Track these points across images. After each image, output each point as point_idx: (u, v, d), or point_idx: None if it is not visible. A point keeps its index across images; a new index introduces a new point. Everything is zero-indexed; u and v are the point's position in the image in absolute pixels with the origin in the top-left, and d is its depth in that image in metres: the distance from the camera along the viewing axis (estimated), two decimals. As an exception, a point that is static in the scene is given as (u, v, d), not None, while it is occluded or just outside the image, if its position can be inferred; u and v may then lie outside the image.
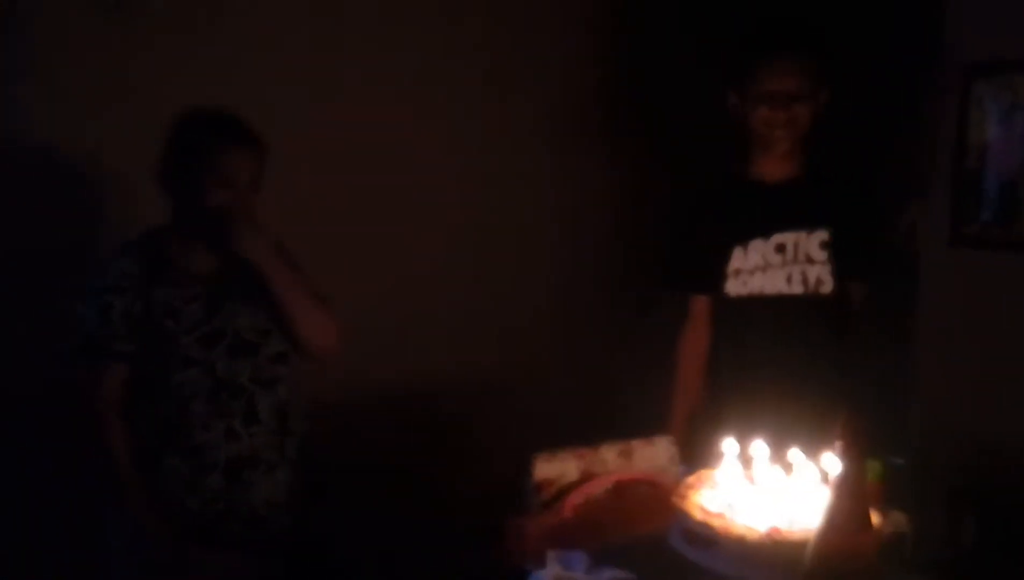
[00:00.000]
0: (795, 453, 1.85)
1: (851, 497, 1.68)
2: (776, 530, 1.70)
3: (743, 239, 2.27)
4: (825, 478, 1.78)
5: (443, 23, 2.77)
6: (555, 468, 1.91)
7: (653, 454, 2.02)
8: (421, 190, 2.73)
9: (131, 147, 2.21)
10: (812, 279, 2.25)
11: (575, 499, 1.87)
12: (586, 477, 1.92)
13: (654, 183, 2.86)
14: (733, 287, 2.28)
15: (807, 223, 2.25)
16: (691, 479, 1.87)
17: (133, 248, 2.03)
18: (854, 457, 1.68)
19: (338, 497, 2.17)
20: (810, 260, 2.25)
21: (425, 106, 2.74)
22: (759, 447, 1.86)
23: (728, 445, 1.87)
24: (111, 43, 2.39)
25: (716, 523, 1.72)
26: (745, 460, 1.86)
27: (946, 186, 3.06)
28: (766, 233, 2.26)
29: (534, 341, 2.77)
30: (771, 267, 2.25)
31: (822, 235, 2.25)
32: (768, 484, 1.83)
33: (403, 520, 2.33)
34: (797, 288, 2.25)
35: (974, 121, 3.00)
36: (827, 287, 2.25)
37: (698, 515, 1.75)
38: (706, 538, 1.73)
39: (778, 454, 1.86)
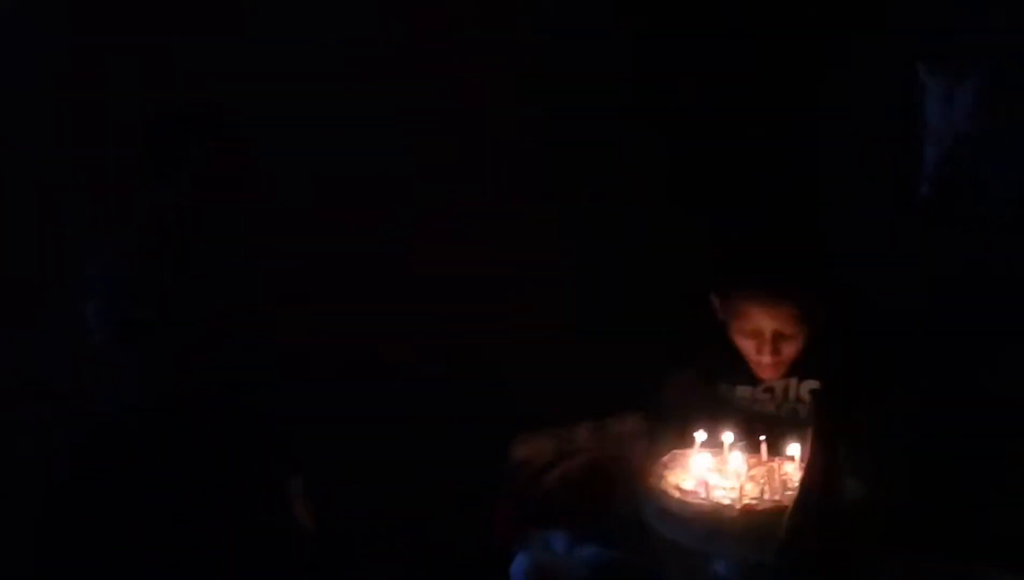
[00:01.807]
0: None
1: (823, 472, 1.75)
2: (749, 506, 1.77)
3: (729, 381, 2.17)
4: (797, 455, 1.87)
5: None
6: (532, 448, 1.96)
7: (625, 431, 2.08)
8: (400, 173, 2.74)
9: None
10: (803, 413, 2.11)
11: (552, 478, 1.92)
12: (561, 456, 1.97)
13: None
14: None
15: (797, 374, 2.12)
16: (665, 459, 1.93)
17: None
18: (826, 432, 1.76)
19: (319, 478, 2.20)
20: (800, 401, 2.13)
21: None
22: (729, 435, 1.94)
23: (700, 433, 1.93)
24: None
25: (691, 501, 1.79)
26: (717, 440, 1.93)
27: (888, 163, 3.18)
28: (755, 382, 2.14)
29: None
30: (759, 402, 2.16)
31: (812, 383, 2.11)
32: (740, 462, 1.91)
33: (387, 503, 2.36)
34: (786, 414, 2.14)
35: (916, 103, 3.12)
36: None
37: (673, 493, 1.82)
38: (681, 516, 1.80)
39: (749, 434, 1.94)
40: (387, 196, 2.67)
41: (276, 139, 2.37)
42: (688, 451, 1.94)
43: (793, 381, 2.13)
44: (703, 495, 1.80)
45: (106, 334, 1.97)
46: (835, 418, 1.80)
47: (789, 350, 2.04)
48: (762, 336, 2.02)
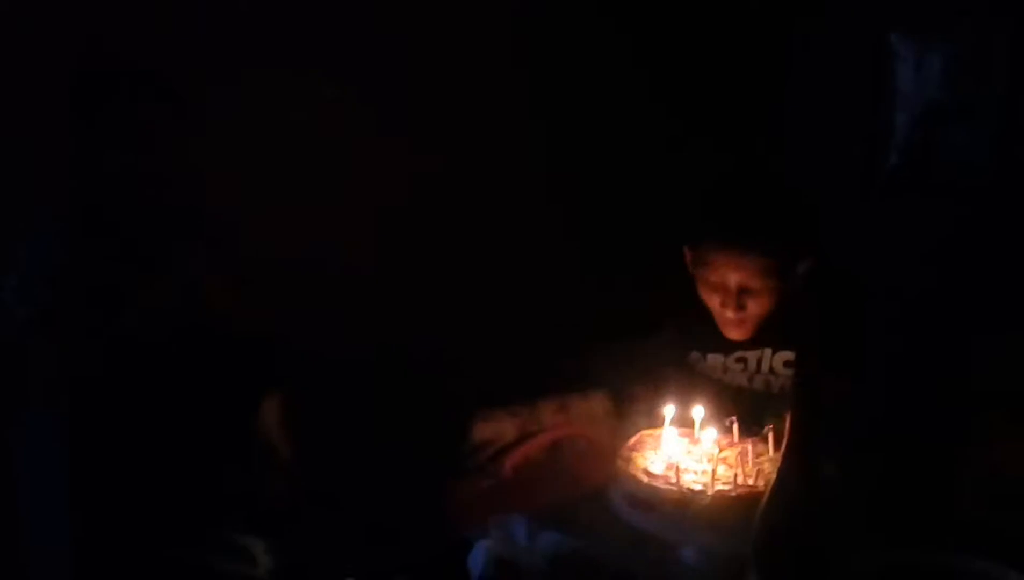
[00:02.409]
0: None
1: (800, 457, 1.67)
2: (721, 493, 1.68)
3: (700, 349, 2.09)
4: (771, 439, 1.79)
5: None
6: (492, 429, 1.86)
7: (589, 409, 1.98)
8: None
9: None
10: (776, 386, 2.06)
11: (514, 459, 1.83)
12: (523, 436, 1.87)
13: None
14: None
15: (772, 344, 2.05)
16: (632, 441, 1.83)
17: None
18: (804, 411, 1.68)
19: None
20: (774, 373, 2.06)
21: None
22: (700, 410, 1.85)
23: (669, 408, 1.84)
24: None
25: (659, 487, 1.70)
26: (687, 421, 1.84)
27: (857, 130, 3.12)
28: (727, 351, 2.07)
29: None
30: (731, 371, 2.08)
31: (786, 355, 2.04)
32: (712, 443, 1.81)
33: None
34: (759, 386, 2.08)
35: (886, 70, 3.06)
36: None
37: (641, 478, 1.72)
38: (649, 502, 1.70)
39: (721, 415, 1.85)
40: (346, 160, 2.54)
41: (226, 98, 2.21)
42: (657, 431, 1.85)
43: (768, 351, 2.05)
44: (672, 480, 1.71)
45: (23, 316, 1.84)
46: (813, 395, 1.72)
47: (755, 308, 1.96)
48: (727, 289, 1.95)
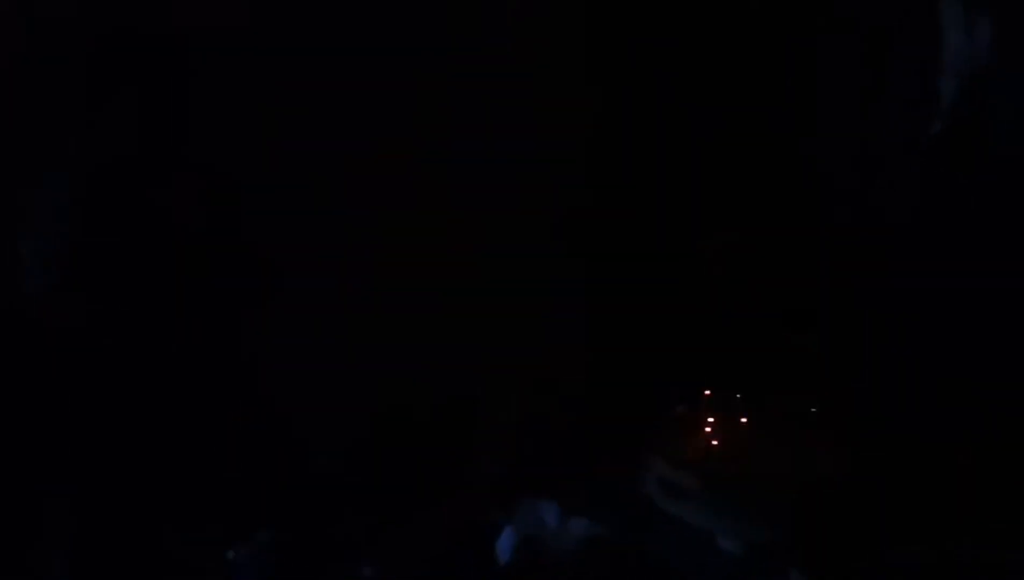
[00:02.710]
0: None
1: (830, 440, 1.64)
2: (758, 479, 1.63)
3: None
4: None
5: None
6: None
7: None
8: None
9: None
10: None
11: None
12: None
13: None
14: None
15: None
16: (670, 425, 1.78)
17: None
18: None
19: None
20: None
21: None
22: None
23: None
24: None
25: (694, 472, 1.65)
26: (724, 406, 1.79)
27: (899, 97, 3.04)
28: None
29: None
30: None
31: None
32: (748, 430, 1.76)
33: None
34: None
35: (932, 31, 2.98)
36: None
37: (676, 463, 1.67)
38: (683, 488, 1.65)
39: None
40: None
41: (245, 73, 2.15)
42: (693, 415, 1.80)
43: None
44: (709, 466, 1.66)
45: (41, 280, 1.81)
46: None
47: None
48: None
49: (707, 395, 1.79)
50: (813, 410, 1.77)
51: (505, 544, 1.63)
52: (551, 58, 2.47)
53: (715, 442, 1.70)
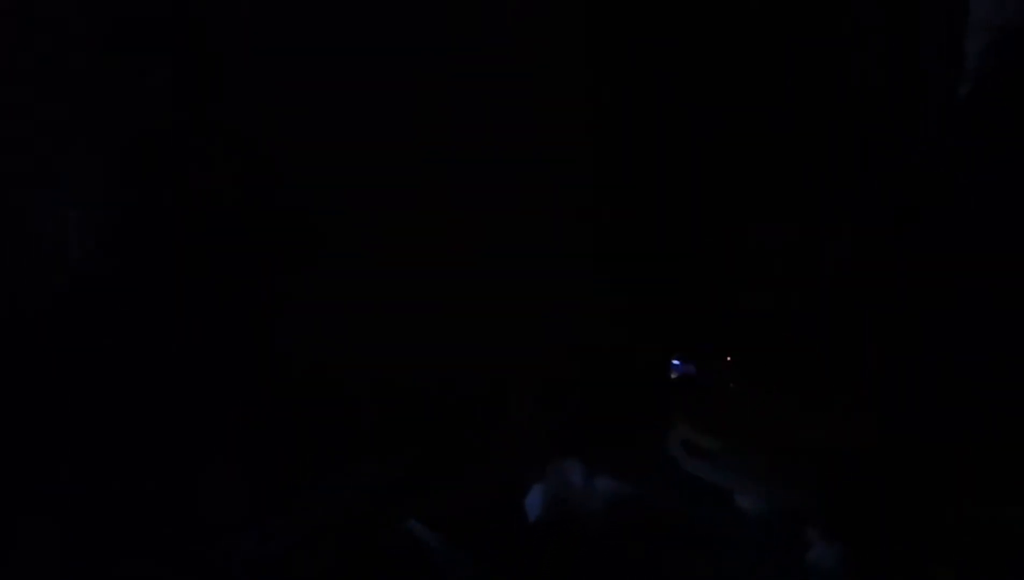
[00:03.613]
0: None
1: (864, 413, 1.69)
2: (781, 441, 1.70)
3: None
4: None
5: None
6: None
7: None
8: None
9: None
10: None
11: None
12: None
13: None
14: None
15: None
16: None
17: None
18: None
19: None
20: None
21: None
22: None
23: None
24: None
25: (716, 435, 1.72)
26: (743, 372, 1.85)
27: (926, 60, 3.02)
28: None
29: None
30: None
31: None
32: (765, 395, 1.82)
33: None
34: None
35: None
36: None
37: (698, 427, 1.74)
38: (707, 449, 1.72)
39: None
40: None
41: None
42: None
43: None
44: (728, 429, 1.72)
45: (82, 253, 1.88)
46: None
47: None
48: None
49: (728, 361, 1.85)
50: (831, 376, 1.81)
51: (534, 502, 1.71)
52: (582, 53, 2.49)
53: (735, 407, 1.77)
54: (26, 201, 1.98)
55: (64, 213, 1.94)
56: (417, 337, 2.13)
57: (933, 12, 2.94)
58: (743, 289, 2.16)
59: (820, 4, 3.00)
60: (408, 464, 1.87)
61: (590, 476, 1.71)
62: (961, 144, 2.92)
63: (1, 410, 1.87)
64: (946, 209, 2.47)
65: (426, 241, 2.23)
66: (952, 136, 2.94)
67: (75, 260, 1.95)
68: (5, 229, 1.96)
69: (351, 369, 2.06)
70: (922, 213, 2.30)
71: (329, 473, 1.88)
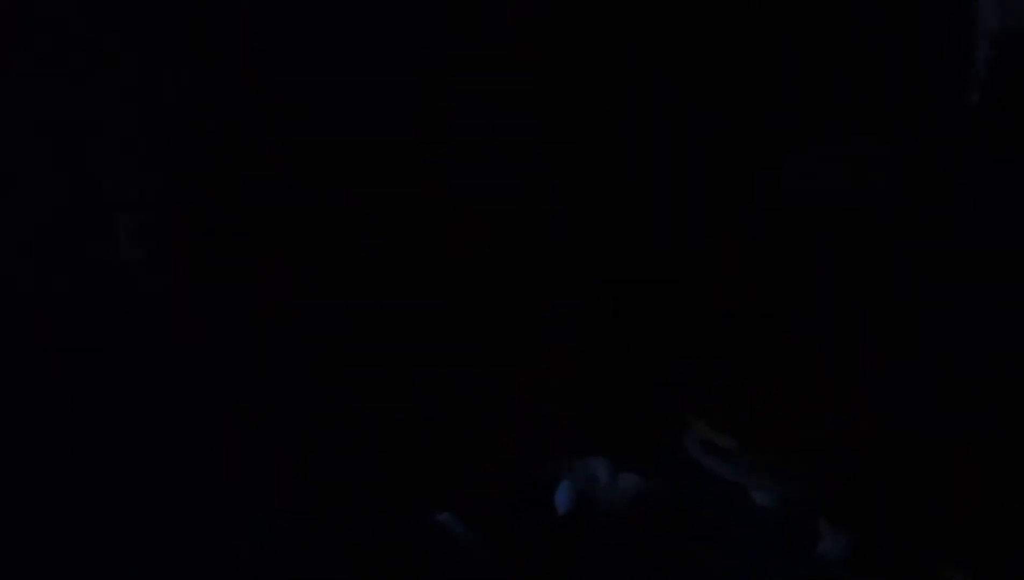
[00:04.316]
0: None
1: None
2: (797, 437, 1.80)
3: None
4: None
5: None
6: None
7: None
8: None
9: None
10: None
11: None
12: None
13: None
14: None
15: None
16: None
17: None
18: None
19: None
20: None
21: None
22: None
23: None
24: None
25: (732, 433, 1.82)
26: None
27: (933, 67, 3.05)
28: None
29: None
30: None
31: None
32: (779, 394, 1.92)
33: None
34: None
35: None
36: None
37: (715, 425, 1.84)
38: (722, 448, 1.83)
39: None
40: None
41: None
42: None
43: None
44: (744, 427, 1.82)
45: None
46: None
47: None
48: None
49: (742, 362, 1.95)
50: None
51: (562, 497, 1.82)
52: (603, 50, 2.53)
53: (748, 407, 1.87)
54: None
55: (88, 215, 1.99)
56: (442, 337, 2.22)
57: (934, 13, 2.99)
58: (746, 289, 2.25)
59: (820, 4, 3.06)
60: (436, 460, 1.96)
61: (615, 473, 1.82)
62: (961, 144, 2.97)
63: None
64: (946, 209, 2.54)
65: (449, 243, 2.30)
66: (952, 136, 3.00)
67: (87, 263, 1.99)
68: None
69: (380, 370, 2.13)
70: (923, 213, 2.38)
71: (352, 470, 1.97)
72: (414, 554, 1.79)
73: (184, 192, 2.01)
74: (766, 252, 2.21)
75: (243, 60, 2.02)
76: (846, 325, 2.05)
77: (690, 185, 2.31)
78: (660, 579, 1.68)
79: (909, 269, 2.12)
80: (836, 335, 2.12)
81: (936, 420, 1.90)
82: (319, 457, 1.97)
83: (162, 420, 1.93)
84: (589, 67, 2.46)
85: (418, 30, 2.30)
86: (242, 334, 2.01)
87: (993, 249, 2.63)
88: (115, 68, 1.95)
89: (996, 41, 2.94)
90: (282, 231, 2.10)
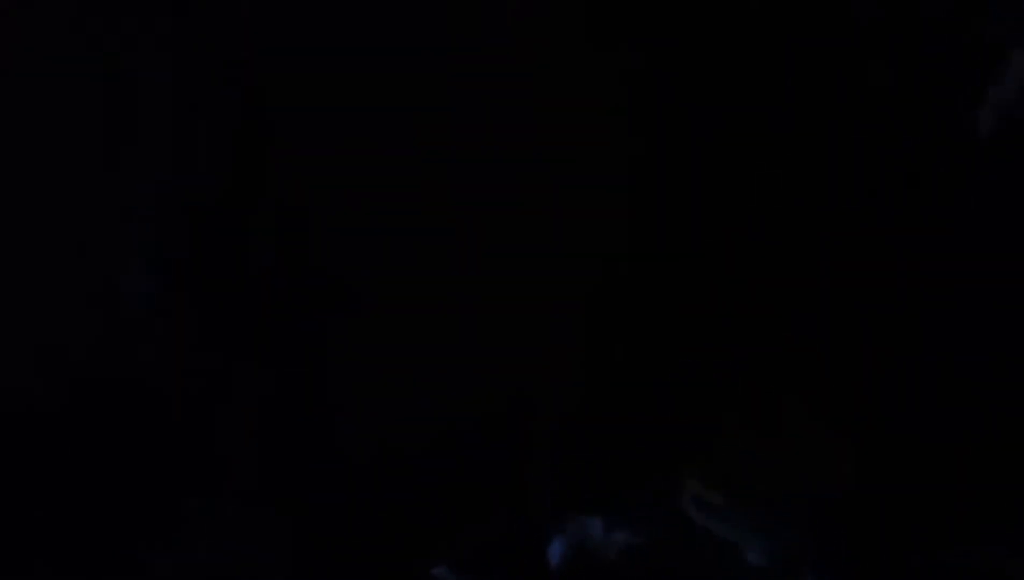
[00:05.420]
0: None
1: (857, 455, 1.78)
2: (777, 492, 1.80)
3: None
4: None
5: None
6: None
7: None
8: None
9: None
10: None
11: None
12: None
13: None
14: None
15: None
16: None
17: None
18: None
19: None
20: None
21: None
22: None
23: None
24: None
25: (723, 490, 1.83)
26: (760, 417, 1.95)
27: (944, 91, 3.03)
28: None
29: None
30: None
31: None
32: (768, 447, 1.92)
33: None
34: None
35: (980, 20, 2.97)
36: None
37: (707, 482, 1.85)
38: (712, 503, 1.83)
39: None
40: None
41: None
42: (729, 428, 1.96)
43: None
44: (734, 484, 1.83)
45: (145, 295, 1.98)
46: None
47: None
48: None
49: (731, 416, 1.95)
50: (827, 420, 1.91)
51: (555, 551, 1.83)
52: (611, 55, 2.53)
53: (738, 462, 1.87)
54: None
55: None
56: (432, 388, 2.22)
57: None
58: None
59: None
60: (433, 511, 1.98)
61: (608, 528, 1.83)
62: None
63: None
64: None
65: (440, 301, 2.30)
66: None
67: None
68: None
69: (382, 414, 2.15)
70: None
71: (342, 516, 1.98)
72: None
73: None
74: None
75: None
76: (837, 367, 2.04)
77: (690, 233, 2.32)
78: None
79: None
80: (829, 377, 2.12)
81: (934, 467, 1.90)
82: (309, 514, 2.00)
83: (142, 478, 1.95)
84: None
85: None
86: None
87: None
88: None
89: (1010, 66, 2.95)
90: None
